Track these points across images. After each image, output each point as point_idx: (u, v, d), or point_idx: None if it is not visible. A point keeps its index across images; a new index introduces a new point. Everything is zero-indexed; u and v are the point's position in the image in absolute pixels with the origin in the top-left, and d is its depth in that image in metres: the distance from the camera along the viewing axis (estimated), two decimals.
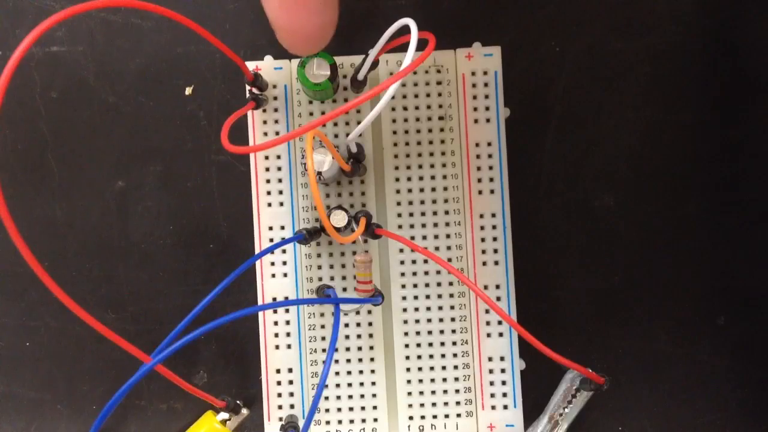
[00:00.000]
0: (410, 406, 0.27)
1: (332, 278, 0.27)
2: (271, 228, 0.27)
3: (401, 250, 0.27)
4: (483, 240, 0.27)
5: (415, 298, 0.27)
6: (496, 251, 0.27)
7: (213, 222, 0.29)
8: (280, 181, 0.27)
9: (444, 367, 0.27)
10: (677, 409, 0.28)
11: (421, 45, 0.23)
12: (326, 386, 0.27)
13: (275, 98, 0.27)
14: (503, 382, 0.27)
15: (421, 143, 0.27)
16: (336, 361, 0.27)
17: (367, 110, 0.27)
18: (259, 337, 0.27)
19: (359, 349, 0.27)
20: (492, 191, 0.27)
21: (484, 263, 0.27)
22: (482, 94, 0.27)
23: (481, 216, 0.27)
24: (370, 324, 0.27)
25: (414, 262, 0.27)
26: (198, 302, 0.23)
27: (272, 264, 0.27)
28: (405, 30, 0.22)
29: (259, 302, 0.27)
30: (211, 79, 0.29)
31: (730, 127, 0.29)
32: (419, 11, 0.29)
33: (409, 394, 0.27)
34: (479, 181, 0.27)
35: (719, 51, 0.29)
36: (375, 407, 0.27)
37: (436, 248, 0.27)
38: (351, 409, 0.27)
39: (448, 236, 0.27)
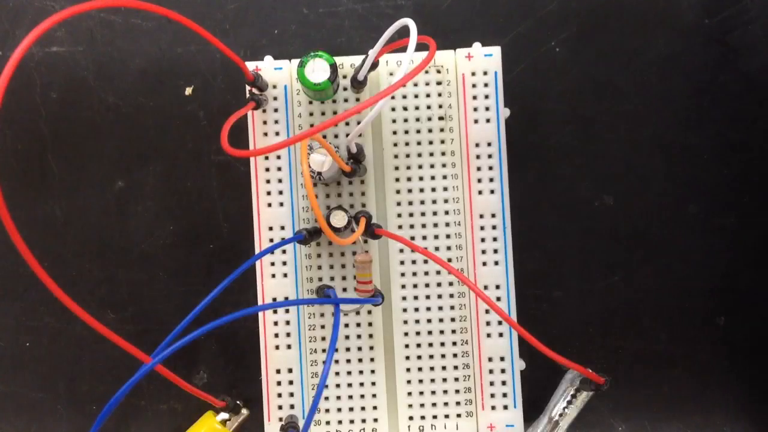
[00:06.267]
0: (410, 406, 0.27)
1: (332, 278, 0.27)
2: (271, 228, 0.27)
3: (401, 250, 0.27)
4: (483, 240, 0.27)
5: (415, 298, 0.27)
6: (496, 251, 0.27)
7: (213, 222, 0.29)
8: (280, 181, 0.27)
9: (444, 367, 0.27)
10: (677, 409, 0.28)
11: (421, 46, 0.23)
12: (326, 386, 0.27)
13: (275, 98, 0.27)
14: (503, 382, 0.27)
15: (421, 143, 0.27)
16: (336, 361, 0.27)
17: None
18: (259, 337, 0.27)
19: (359, 349, 0.27)
20: (492, 191, 0.27)
21: (484, 263, 0.27)
22: (482, 94, 0.27)
23: (481, 216, 0.27)
24: (370, 324, 0.27)
25: (414, 262, 0.27)
26: (198, 302, 0.23)
27: (272, 264, 0.27)
28: (405, 31, 0.22)
29: (259, 302, 0.27)
30: (211, 79, 0.29)
31: (730, 127, 0.29)
32: (419, 11, 0.29)
33: (409, 394, 0.27)
34: (479, 181, 0.27)
35: (719, 52, 0.29)
36: (375, 407, 0.27)
37: (436, 248, 0.27)
38: (351, 409, 0.27)
39: (448, 236, 0.27)
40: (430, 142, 0.27)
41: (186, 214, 0.29)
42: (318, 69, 0.25)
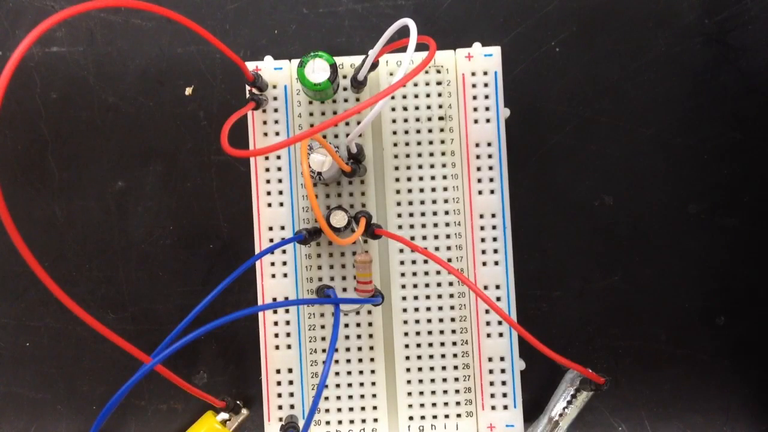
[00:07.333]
0: (410, 406, 0.27)
1: (332, 278, 0.27)
2: (271, 228, 0.27)
3: (401, 250, 0.27)
4: (483, 240, 0.27)
5: (415, 298, 0.27)
6: (496, 251, 0.27)
7: (213, 222, 0.29)
8: (280, 181, 0.27)
9: (444, 367, 0.27)
10: (677, 409, 0.28)
11: (421, 46, 0.23)
12: (326, 386, 0.27)
13: (275, 98, 0.27)
14: (503, 382, 0.27)
15: (421, 143, 0.27)
16: (336, 361, 0.27)
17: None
18: (259, 337, 0.27)
19: (359, 349, 0.27)
20: (492, 191, 0.27)
21: (484, 263, 0.27)
22: (482, 94, 0.27)
23: (481, 216, 0.27)
24: (370, 324, 0.27)
25: (414, 262, 0.27)
26: (198, 302, 0.23)
27: (272, 264, 0.27)
28: (405, 31, 0.22)
29: (259, 302, 0.27)
30: (211, 79, 0.29)
31: (730, 127, 0.29)
32: (419, 11, 0.29)
33: (409, 394, 0.27)
34: (479, 181, 0.27)
35: (719, 52, 0.29)
36: (375, 407, 0.27)
37: (436, 248, 0.27)
38: (351, 409, 0.27)
39: (448, 236, 0.27)
40: (430, 142, 0.27)
41: (186, 214, 0.29)
42: (318, 69, 0.25)
